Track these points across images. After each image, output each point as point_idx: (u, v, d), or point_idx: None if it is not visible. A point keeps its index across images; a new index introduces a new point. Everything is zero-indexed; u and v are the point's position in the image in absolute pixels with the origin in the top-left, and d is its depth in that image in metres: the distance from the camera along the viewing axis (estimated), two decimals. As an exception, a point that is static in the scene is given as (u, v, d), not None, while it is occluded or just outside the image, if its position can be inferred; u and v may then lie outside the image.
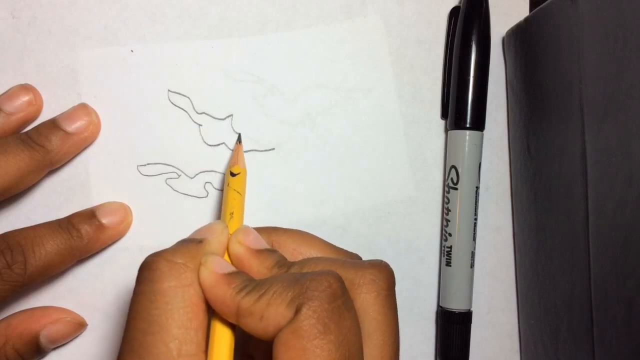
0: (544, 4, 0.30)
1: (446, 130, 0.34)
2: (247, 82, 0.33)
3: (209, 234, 0.25)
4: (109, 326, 0.32)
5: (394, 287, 0.25)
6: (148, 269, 0.23)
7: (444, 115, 0.34)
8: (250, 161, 0.33)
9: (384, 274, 0.25)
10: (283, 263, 0.25)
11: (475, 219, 0.32)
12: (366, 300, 0.24)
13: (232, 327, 0.24)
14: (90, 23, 0.32)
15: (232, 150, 0.32)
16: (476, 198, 0.32)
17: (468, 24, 0.32)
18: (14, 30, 0.32)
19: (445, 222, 0.33)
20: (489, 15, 0.32)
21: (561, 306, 0.29)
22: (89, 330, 0.32)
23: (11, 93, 0.31)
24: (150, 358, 0.21)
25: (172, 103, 0.33)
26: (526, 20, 0.32)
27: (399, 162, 0.34)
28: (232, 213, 0.27)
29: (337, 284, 0.22)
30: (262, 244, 0.26)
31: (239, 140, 0.32)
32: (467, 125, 0.32)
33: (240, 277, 0.24)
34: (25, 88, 0.31)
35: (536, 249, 0.31)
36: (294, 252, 0.27)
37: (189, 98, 0.33)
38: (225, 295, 0.23)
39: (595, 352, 0.26)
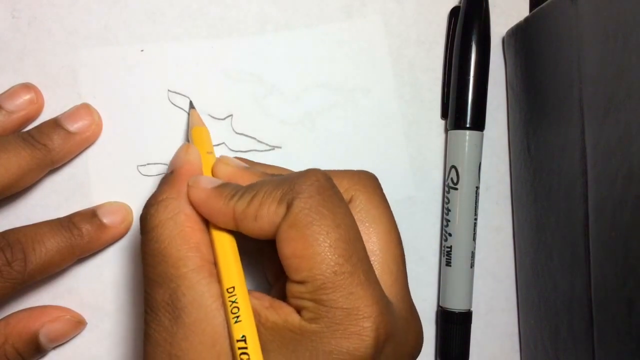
0: (544, 4, 0.30)
1: (446, 130, 0.34)
2: (247, 82, 0.33)
3: (176, 162, 0.27)
4: (108, 326, 0.32)
5: (381, 186, 0.27)
6: (143, 218, 0.25)
7: (444, 115, 0.34)
8: (250, 161, 0.33)
9: (372, 175, 0.27)
10: (272, 174, 0.27)
11: (475, 219, 0.32)
12: (360, 199, 0.26)
13: (230, 232, 0.25)
14: (90, 23, 0.32)
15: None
16: (476, 198, 0.32)
17: (468, 24, 0.32)
18: (14, 30, 0.32)
19: (445, 222, 0.33)
20: (489, 15, 0.32)
21: (561, 306, 0.29)
22: (89, 330, 0.32)
23: (12, 91, 0.31)
24: (163, 282, 0.24)
25: (172, 103, 0.33)
26: (526, 20, 0.32)
27: (399, 162, 0.34)
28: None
29: (323, 177, 0.24)
30: (246, 165, 0.28)
31: (192, 106, 0.32)
32: (467, 125, 0.32)
33: (229, 185, 0.25)
34: (27, 87, 0.31)
35: (536, 249, 0.31)
36: None
37: (189, 98, 0.33)
38: (219, 204, 0.24)
39: (595, 352, 0.26)
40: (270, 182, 0.24)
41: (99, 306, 0.32)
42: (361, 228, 0.25)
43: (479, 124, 0.32)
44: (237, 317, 0.23)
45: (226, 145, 0.33)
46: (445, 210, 0.33)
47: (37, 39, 0.32)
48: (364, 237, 0.25)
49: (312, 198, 0.23)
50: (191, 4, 0.33)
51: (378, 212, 0.26)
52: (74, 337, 0.32)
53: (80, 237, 0.30)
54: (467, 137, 0.32)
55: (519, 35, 0.33)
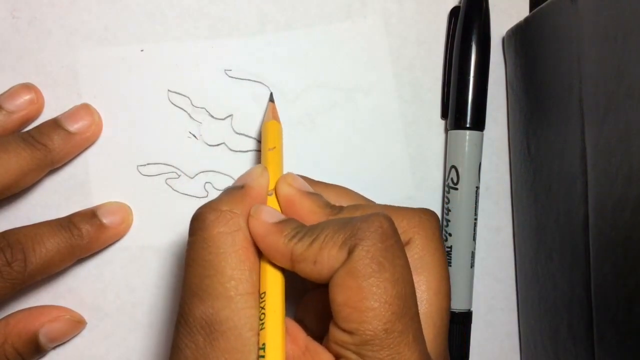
0: (544, 4, 0.30)
1: (446, 130, 0.34)
2: (247, 82, 0.33)
3: (249, 180, 0.26)
4: (109, 326, 0.32)
5: (441, 230, 0.26)
6: (198, 219, 0.24)
7: (444, 115, 0.34)
8: (250, 161, 0.33)
9: (433, 216, 0.26)
10: (333, 205, 0.26)
11: (475, 219, 0.32)
12: (416, 244, 0.25)
13: (282, 270, 0.24)
14: (90, 23, 0.32)
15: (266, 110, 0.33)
16: (476, 198, 0.32)
17: (468, 24, 0.32)
18: (14, 30, 0.32)
19: (445, 222, 0.33)
20: (489, 15, 0.32)
21: (561, 306, 0.29)
22: (89, 330, 0.32)
23: (13, 91, 0.31)
24: (209, 298, 0.22)
25: (172, 103, 0.33)
26: (526, 20, 0.32)
27: (399, 162, 0.34)
28: (267, 166, 0.28)
29: (387, 224, 0.23)
30: (309, 188, 0.27)
31: (271, 99, 0.32)
32: (467, 125, 0.32)
33: (291, 224, 0.24)
34: (27, 87, 0.31)
35: (536, 249, 0.31)
36: (337, 204, 0.27)
37: (188, 98, 0.33)
38: (277, 243, 0.23)
39: (595, 352, 0.26)
40: (332, 225, 0.23)
41: (99, 306, 0.32)
42: (413, 274, 0.24)
43: (479, 124, 0.32)
44: None
45: (226, 145, 0.33)
46: (445, 210, 0.33)
47: (37, 39, 0.32)
48: (416, 284, 0.24)
49: (374, 247, 0.22)
50: (191, 4, 0.33)
51: (433, 260, 0.25)
52: (74, 337, 0.32)
53: (80, 237, 0.30)
54: (467, 137, 0.32)
55: (519, 35, 0.33)
